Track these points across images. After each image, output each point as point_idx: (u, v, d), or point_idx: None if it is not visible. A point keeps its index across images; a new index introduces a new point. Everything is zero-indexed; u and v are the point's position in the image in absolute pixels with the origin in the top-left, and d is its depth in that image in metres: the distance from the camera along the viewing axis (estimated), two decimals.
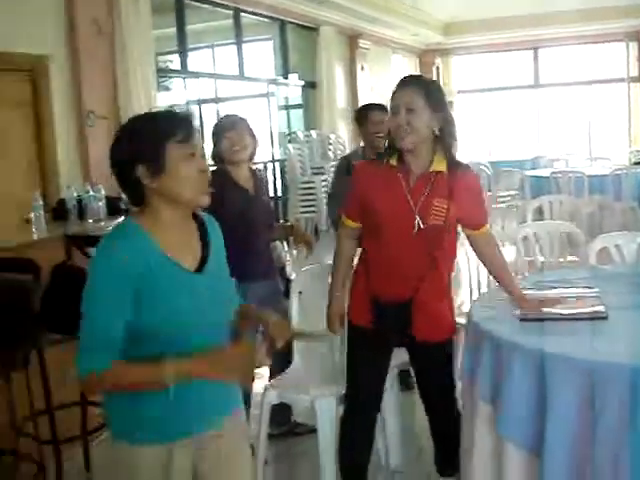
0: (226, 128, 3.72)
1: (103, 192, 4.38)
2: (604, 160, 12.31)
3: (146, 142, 1.86)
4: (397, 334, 2.92)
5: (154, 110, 2.13)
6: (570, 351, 2.40)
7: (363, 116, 4.53)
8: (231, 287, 2.11)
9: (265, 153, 10.35)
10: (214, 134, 3.77)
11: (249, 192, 3.74)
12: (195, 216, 2.03)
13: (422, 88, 2.76)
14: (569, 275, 3.59)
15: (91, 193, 4.33)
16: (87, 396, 1.81)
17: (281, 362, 3.82)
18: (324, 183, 10.08)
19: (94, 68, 6.66)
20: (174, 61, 9.22)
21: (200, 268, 1.94)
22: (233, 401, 2.09)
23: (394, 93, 2.80)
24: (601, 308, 2.81)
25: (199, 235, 2.01)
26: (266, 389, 3.43)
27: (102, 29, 6.75)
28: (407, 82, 2.82)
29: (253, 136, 3.77)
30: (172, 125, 1.87)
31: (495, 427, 2.46)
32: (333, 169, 6.02)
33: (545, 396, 2.31)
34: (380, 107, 4.50)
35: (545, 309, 2.81)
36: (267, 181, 4.19)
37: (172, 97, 9.49)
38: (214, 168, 3.83)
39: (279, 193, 10.74)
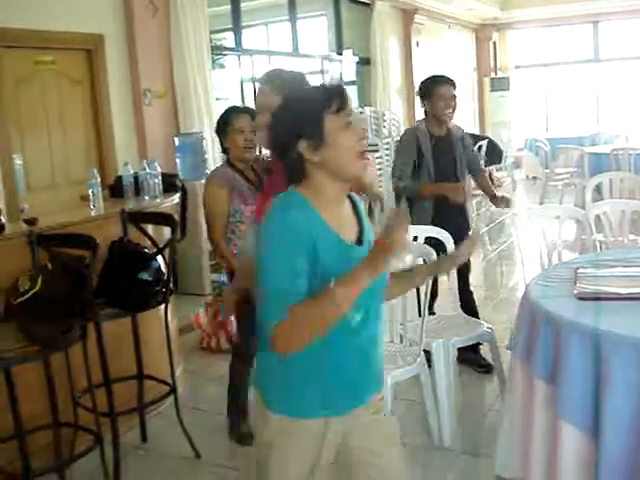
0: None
1: (159, 169, 4.41)
2: None
3: (305, 117, 1.87)
4: None
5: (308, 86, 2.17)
6: (627, 330, 2.34)
7: (430, 89, 4.40)
8: None
9: None
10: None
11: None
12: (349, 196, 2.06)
13: None
14: (629, 254, 3.51)
15: (147, 170, 4.36)
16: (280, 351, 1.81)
17: None
18: (378, 160, 10.02)
19: (149, 47, 6.72)
20: (228, 39, 9.23)
21: (360, 241, 1.98)
22: (380, 381, 2.11)
23: None
24: None
25: (354, 212, 2.04)
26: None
27: (157, 8, 6.79)
28: None
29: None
30: (326, 97, 1.88)
31: (553, 407, 2.43)
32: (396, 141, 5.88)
33: (603, 377, 2.27)
34: (448, 80, 4.43)
35: (603, 288, 2.76)
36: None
37: (227, 75, 9.50)
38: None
39: None
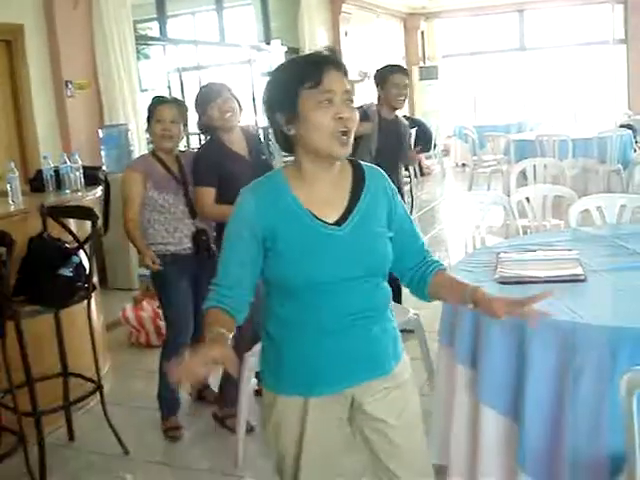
0: (212, 96, 3.69)
1: (80, 162, 4.31)
2: (589, 123, 12.30)
3: (280, 90, 1.88)
4: None
5: (301, 55, 2.06)
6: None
7: (384, 77, 4.66)
8: (383, 244, 1.99)
9: (248, 120, 10.26)
10: (199, 104, 3.74)
11: (244, 158, 3.73)
12: (356, 168, 2.01)
13: None
14: (550, 238, 3.59)
15: (68, 164, 4.26)
16: None
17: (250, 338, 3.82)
18: None
19: (71, 37, 6.57)
20: (153, 28, 9.09)
21: (340, 222, 1.92)
22: (383, 358, 2.03)
23: None
24: (580, 270, 2.80)
25: (351, 190, 1.97)
26: (246, 356, 3.41)
27: (78, 3, 6.63)
28: None
29: (238, 100, 3.76)
30: (303, 71, 1.84)
31: (474, 392, 2.46)
32: None
33: (524, 360, 2.31)
34: (402, 69, 4.77)
35: (523, 272, 2.80)
36: (259, 137, 4.12)
37: (152, 65, 9.36)
38: (208, 138, 3.82)
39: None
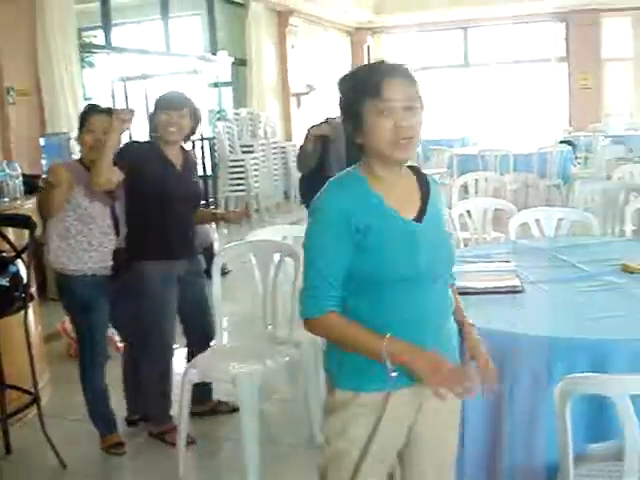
0: (169, 106, 3.58)
1: (20, 170, 4.24)
2: (531, 139, 12.55)
3: (346, 99, 1.96)
4: None
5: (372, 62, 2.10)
6: (484, 323, 2.42)
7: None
8: (451, 245, 2.12)
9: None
10: (156, 107, 3.63)
11: (176, 168, 3.67)
12: (419, 174, 2.09)
13: None
14: (489, 250, 3.65)
15: (7, 171, 4.19)
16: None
17: (199, 342, 3.80)
18: (253, 161, 10.02)
19: (14, 43, 6.48)
20: (98, 36, 9.00)
21: (418, 218, 1.99)
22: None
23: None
24: (517, 282, 2.86)
25: (420, 191, 2.05)
26: (187, 368, 3.39)
27: (22, 3, 6.54)
28: None
29: (195, 118, 3.66)
30: (366, 82, 1.91)
31: None
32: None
33: None
34: None
35: (462, 283, 2.84)
36: (196, 164, 4.06)
37: (97, 73, 9.26)
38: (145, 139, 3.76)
39: (208, 172, 10.61)
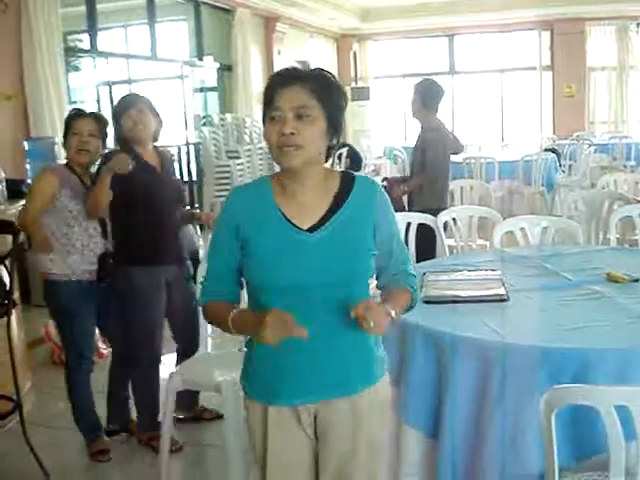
0: (127, 108, 3.60)
1: (3, 175, 4.21)
2: (515, 146, 12.61)
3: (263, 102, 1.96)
4: None
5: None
6: (467, 331, 2.43)
7: None
8: (357, 255, 1.98)
9: (179, 136, 10.18)
10: (114, 115, 3.65)
11: (156, 170, 3.67)
12: (345, 180, 2.02)
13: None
14: (475, 258, 3.65)
15: None
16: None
17: (188, 347, 3.78)
18: (239, 167, 10.00)
19: None
20: (84, 41, 8.95)
21: (313, 229, 1.94)
22: (342, 383, 1.99)
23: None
24: (502, 290, 2.86)
25: (333, 200, 1.99)
26: (171, 375, 3.36)
27: (6, 5, 6.50)
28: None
29: (156, 114, 3.68)
30: (268, 86, 1.94)
31: (397, 411, 2.47)
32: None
33: (444, 379, 2.34)
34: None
35: (448, 292, 2.84)
36: (173, 161, 4.07)
37: (82, 77, 9.21)
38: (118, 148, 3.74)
39: (194, 177, 10.58)
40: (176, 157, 9.75)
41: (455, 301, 2.75)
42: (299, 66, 1.96)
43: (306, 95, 1.89)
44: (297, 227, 1.94)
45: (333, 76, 1.99)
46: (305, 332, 1.79)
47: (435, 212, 4.61)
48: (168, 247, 3.69)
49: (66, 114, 3.78)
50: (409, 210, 5.00)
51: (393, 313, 1.91)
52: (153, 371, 3.74)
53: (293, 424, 2.00)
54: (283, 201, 1.96)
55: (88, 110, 3.77)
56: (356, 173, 2.07)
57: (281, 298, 1.89)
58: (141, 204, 3.55)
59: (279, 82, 1.91)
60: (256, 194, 1.99)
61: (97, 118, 3.66)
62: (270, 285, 1.93)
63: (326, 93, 1.92)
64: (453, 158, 10.31)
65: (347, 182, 2.02)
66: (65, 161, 3.72)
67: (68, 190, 3.53)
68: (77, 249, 3.55)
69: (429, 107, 5.17)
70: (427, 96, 5.16)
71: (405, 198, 5.37)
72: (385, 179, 5.76)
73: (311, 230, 1.94)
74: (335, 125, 1.95)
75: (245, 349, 2.12)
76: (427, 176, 5.06)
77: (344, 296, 1.92)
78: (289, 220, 1.94)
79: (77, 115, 3.65)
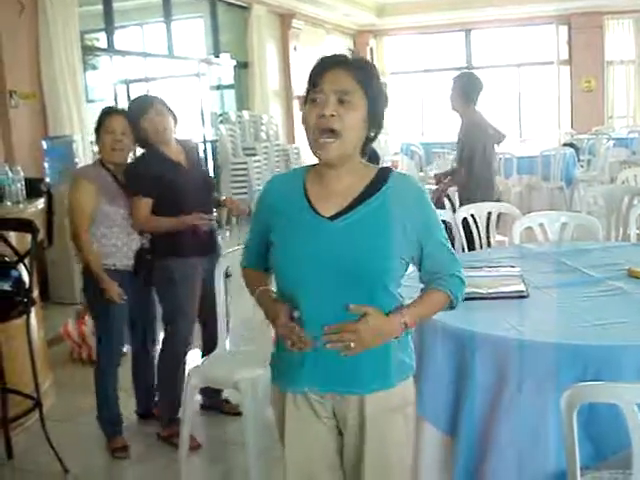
0: (144, 111, 3.63)
1: (22, 174, 4.23)
2: (534, 141, 12.53)
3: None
4: None
5: None
6: (487, 329, 2.41)
7: None
8: (376, 251, 1.90)
9: (196, 133, 10.20)
10: (130, 120, 3.65)
11: (182, 165, 3.70)
12: (380, 174, 1.98)
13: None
14: (494, 254, 3.63)
15: (9, 175, 4.18)
16: None
17: (210, 343, 3.79)
18: (256, 164, 10.01)
19: (16, 46, 6.45)
20: (101, 39, 8.99)
21: (335, 217, 1.92)
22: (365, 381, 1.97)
23: None
24: (522, 287, 2.84)
25: (363, 190, 1.94)
26: (191, 372, 3.37)
27: (25, 6, 6.53)
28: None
29: (171, 111, 3.71)
30: (313, 69, 1.94)
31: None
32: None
33: (463, 375, 2.32)
34: None
35: (467, 288, 2.82)
36: (196, 149, 4.12)
37: (100, 76, 9.24)
38: (144, 150, 3.77)
39: (211, 174, 10.60)
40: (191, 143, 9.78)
41: (474, 298, 2.73)
42: (347, 53, 1.96)
43: (351, 80, 1.88)
44: (318, 214, 1.92)
45: (376, 69, 1.99)
46: (309, 344, 1.86)
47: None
48: (204, 238, 3.71)
49: (83, 113, 3.82)
50: (460, 204, 5.09)
51: (405, 319, 1.92)
52: (180, 365, 3.75)
53: (310, 414, 2.00)
54: (313, 189, 1.96)
55: (117, 107, 3.81)
56: (396, 170, 2.03)
57: (295, 285, 1.91)
58: (174, 201, 3.60)
59: (325, 65, 1.91)
60: (290, 181, 2.01)
61: (126, 116, 3.69)
62: (285, 271, 1.95)
63: (370, 82, 1.91)
64: None
65: (382, 176, 1.97)
66: (98, 158, 3.76)
67: (105, 196, 3.58)
68: (117, 247, 3.63)
69: (468, 100, 5.17)
70: (466, 89, 5.17)
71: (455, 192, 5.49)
72: (435, 175, 5.81)
73: (333, 218, 1.91)
74: (375, 116, 1.93)
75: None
76: (469, 170, 5.06)
77: (359, 292, 1.89)
78: (312, 207, 1.93)
79: (110, 113, 3.68)
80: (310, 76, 1.92)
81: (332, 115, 1.84)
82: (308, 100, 1.91)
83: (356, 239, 1.89)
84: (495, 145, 5.43)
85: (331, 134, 1.85)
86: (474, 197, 4.91)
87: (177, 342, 3.73)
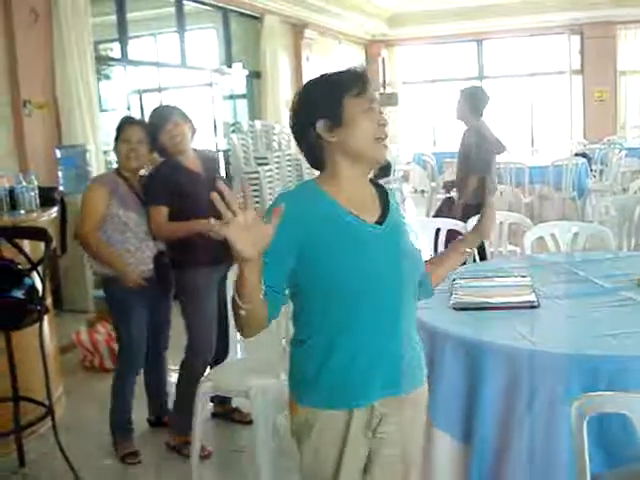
0: (163, 123, 3.69)
1: (36, 182, 4.27)
2: (546, 151, 12.51)
3: (324, 97, 1.94)
4: None
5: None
6: (497, 338, 2.41)
7: None
8: (414, 250, 2.08)
9: (209, 143, 10.23)
10: (150, 132, 3.72)
11: (200, 175, 3.74)
12: (376, 185, 2.07)
13: None
14: (505, 264, 3.63)
15: (23, 184, 4.21)
16: None
17: (219, 353, 3.80)
18: (268, 173, 10.03)
19: (30, 56, 6.50)
20: (114, 49, 9.05)
21: (380, 222, 1.97)
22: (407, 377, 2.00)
23: None
24: (533, 297, 2.84)
25: (379, 198, 2.04)
26: (201, 381, 3.38)
27: (38, 15, 6.58)
28: None
29: (189, 120, 3.76)
30: (347, 80, 1.94)
31: (427, 416, 2.46)
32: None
33: (474, 384, 2.32)
34: None
35: (478, 298, 2.83)
36: (215, 159, 4.19)
37: (113, 86, 9.31)
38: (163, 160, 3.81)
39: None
40: (208, 152, 9.82)
41: (485, 307, 2.74)
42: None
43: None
44: (364, 221, 1.94)
45: None
46: (282, 207, 1.68)
47: None
48: (220, 246, 3.72)
49: (97, 122, 3.88)
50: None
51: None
52: (197, 374, 3.75)
53: (364, 428, 1.95)
54: (342, 198, 1.94)
55: (134, 117, 3.88)
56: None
57: (355, 295, 1.87)
58: (190, 210, 3.62)
59: (364, 74, 1.97)
60: (307, 195, 1.94)
61: (145, 125, 3.78)
62: (347, 281, 1.86)
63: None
64: None
65: (377, 185, 2.08)
66: (116, 167, 3.86)
67: (117, 199, 3.66)
68: (132, 253, 3.68)
69: (474, 112, 5.25)
70: (472, 101, 5.27)
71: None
72: (445, 182, 5.92)
73: (378, 223, 1.97)
74: None
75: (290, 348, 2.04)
76: (471, 176, 5.12)
77: (410, 292, 1.99)
78: (355, 215, 1.93)
79: (126, 123, 3.79)
80: (356, 83, 1.93)
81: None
82: (358, 109, 1.90)
83: (401, 241, 2.01)
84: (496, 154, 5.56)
85: (385, 138, 1.94)
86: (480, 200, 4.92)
87: (198, 353, 3.75)
